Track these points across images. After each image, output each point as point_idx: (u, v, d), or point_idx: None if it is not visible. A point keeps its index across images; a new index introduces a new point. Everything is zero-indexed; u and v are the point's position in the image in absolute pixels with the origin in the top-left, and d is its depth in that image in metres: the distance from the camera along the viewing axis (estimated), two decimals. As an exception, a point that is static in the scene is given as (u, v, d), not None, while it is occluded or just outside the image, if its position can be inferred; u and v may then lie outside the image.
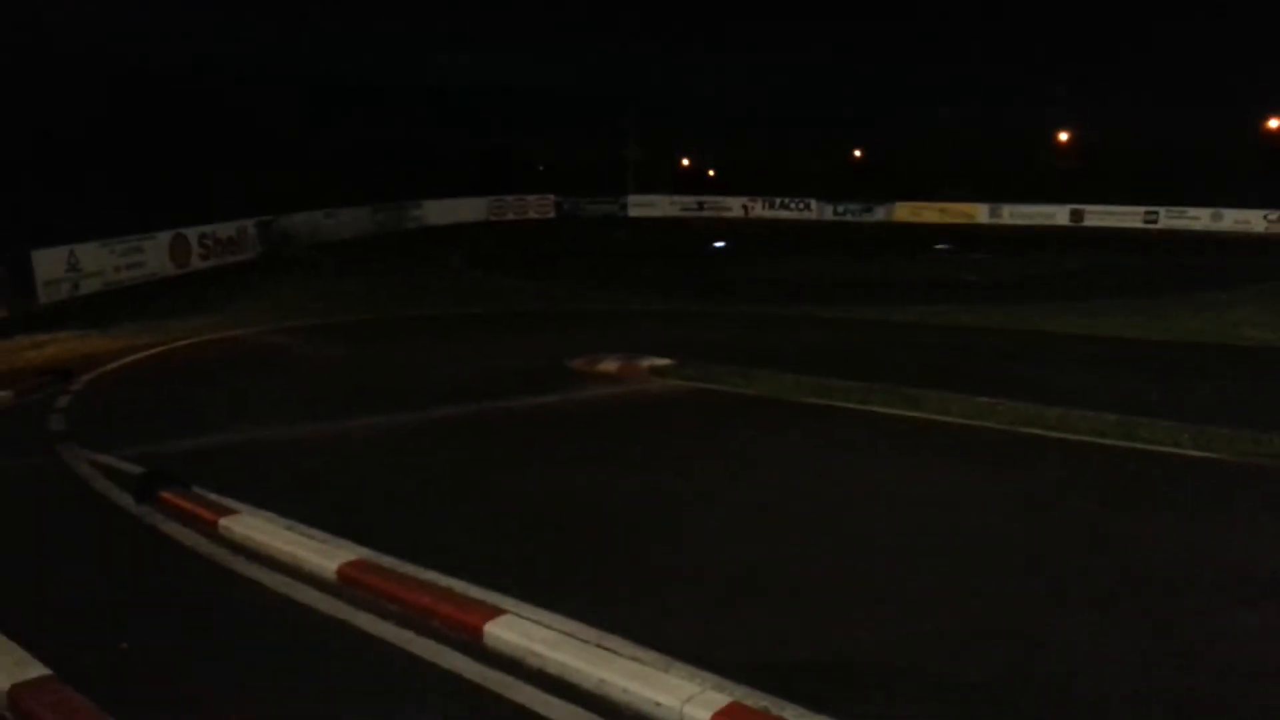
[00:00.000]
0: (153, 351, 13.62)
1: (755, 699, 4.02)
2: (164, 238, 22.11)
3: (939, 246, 30.02)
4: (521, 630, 4.55)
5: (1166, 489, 7.00)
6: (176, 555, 5.99)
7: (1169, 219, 40.25)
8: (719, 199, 48.02)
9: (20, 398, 10.53)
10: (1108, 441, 7.99)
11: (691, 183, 55.52)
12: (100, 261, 19.52)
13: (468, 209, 41.67)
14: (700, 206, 47.35)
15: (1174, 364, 12.09)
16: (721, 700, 3.92)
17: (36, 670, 4.20)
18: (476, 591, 5.13)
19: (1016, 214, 42.66)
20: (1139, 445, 7.86)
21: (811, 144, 62.54)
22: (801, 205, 46.19)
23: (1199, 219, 39.59)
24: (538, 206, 45.38)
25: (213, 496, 6.78)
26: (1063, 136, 53.98)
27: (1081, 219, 41.61)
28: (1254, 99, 50.25)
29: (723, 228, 39.82)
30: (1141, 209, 40.83)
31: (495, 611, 4.76)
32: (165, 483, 6.87)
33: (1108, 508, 6.62)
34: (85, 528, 6.62)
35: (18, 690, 4.06)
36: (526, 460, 8.04)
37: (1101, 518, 6.43)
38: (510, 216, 43.85)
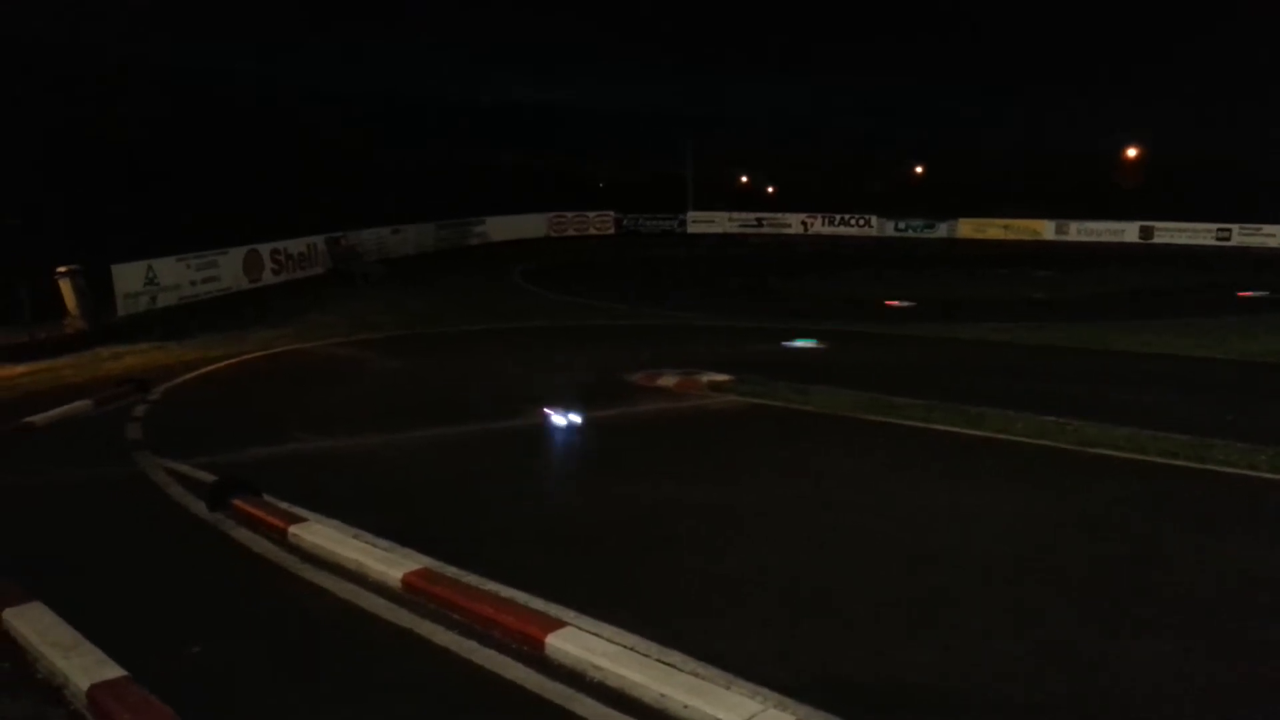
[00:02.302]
0: (226, 363, 14.02)
1: (817, 718, 4.00)
2: (238, 253, 22.74)
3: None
4: (583, 643, 4.59)
5: (1239, 512, 6.79)
6: (247, 561, 6.16)
7: (1242, 236, 39.03)
8: (778, 215, 47.78)
9: (100, 407, 10.91)
10: (1178, 463, 7.79)
11: (751, 199, 55.39)
12: (177, 276, 20.14)
13: (529, 225, 42.10)
14: (759, 223, 47.19)
15: (1245, 384, 11.75)
16: (783, 718, 3.91)
17: (114, 671, 4.35)
18: (538, 603, 5.19)
19: (1084, 230, 41.72)
20: (1211, 467, 7.65)
21: (873, 161, 62.10)
22: (862, 221, 45.73)
23: (1274, 236, 38.34)
24: (598, 223, 45.66)
25: (283, 504, 6.95)
26: (1131, 152, 52.78)
27: (1151, 235, 40.55)
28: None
29: (786, 244, 39.72)
30: (1214, 225, 39.67)
31: (557, 623, 4.81)
32: (237, 490, 7.07)
33: (1176, 531, 6.45)
34: (160, 533, 6.83)
35: (96, 690, 4.21)
36: (583, 473, 8.12)
37: (1169, 540, 6.27)
38: (571, 233, 44.17)
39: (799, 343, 14.78)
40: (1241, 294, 21.84)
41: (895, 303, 20.51)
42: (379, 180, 35.02)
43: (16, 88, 20.04)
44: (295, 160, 30.73)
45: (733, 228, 46.83)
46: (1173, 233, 40.24)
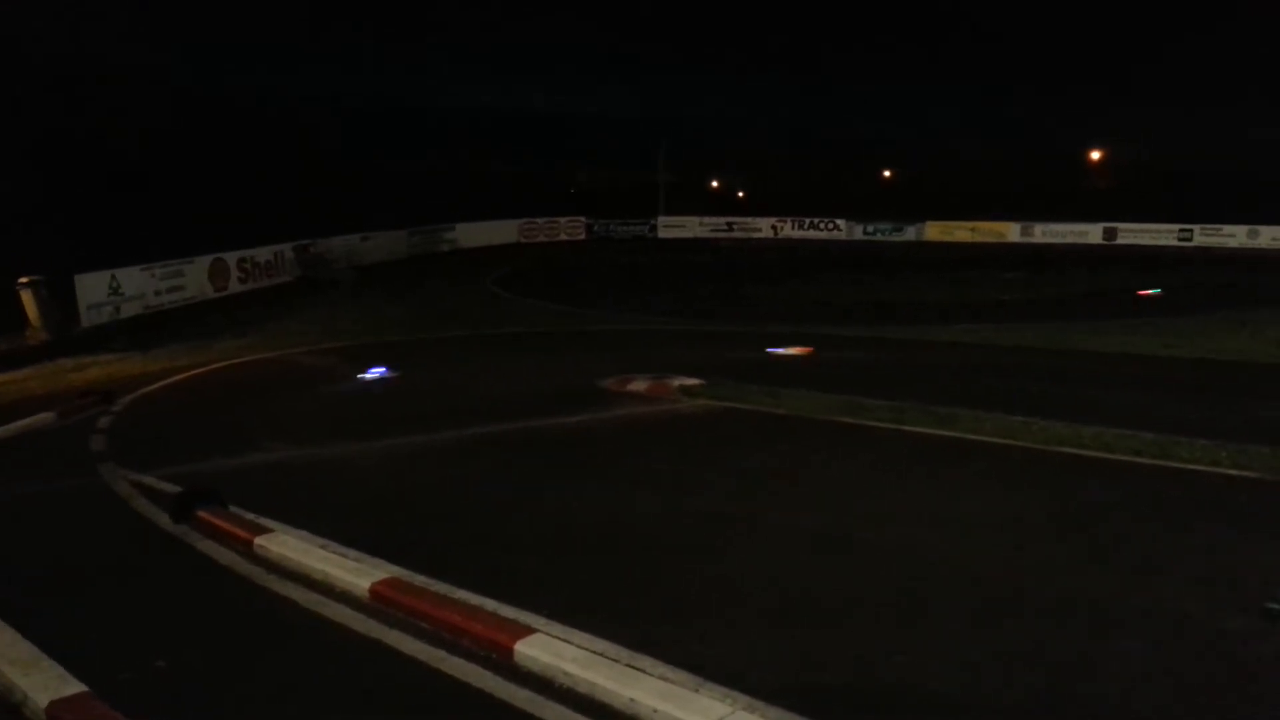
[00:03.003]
0: (192, 373, 13.85)
1: (786, 720, 4.00)
2: (203, 261, 22.48)
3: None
4: (552, 649, 4.56)
5: (1204, 508, 6.88)
6: (212, 573, 6.07)
7: (1204, 236, 39.68)
8: (748, 220, 48.03)
9: (63, 419, 10.73)
10: (1144, 460, 7.89)
11: (722, 204, 55.59)
12: (141, 285, 19.88)
13: (499, 231, 41.99)
14: (730, 227, 47.38)
15: (1210, 383, 11.92)
16: (752, 721, 3.91)
17: (74, 687, 4.27)
18: (508, 610, 5.15)
19: (1048, 232, 42.24)
20: (1176, 464, 7.75)
21: (841, 165, 62.48)
22: (830, 225, 46.04)
23: (1234, 236, 38.99)
24: (568, 228, 45.63)
25: (249, 515, 6.86)
26: (1094, 155, 53.50)
27: (1114, 237, 41.13)
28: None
29: (756, 248, 39.96)
30: (1175, 227, 40.31)
31: (526, 630, 4.78)
32: (202, 502, 6.97)
33: (1144, 529, 6.53)
34: (123, 546, 6.72)
35: (55, 707, 4.13)
36: (557, 479, 8.07)
37: (1137, 539, 6.34)
38: (541, 238, 44.11)
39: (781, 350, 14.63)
40: (1140, 292, 22.68)
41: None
42: (348, 187, 34.74)
43: None
44: (262, 166, 30.43)
45: (703, 232, 46.98)
46: (1135, 234, 40.82)
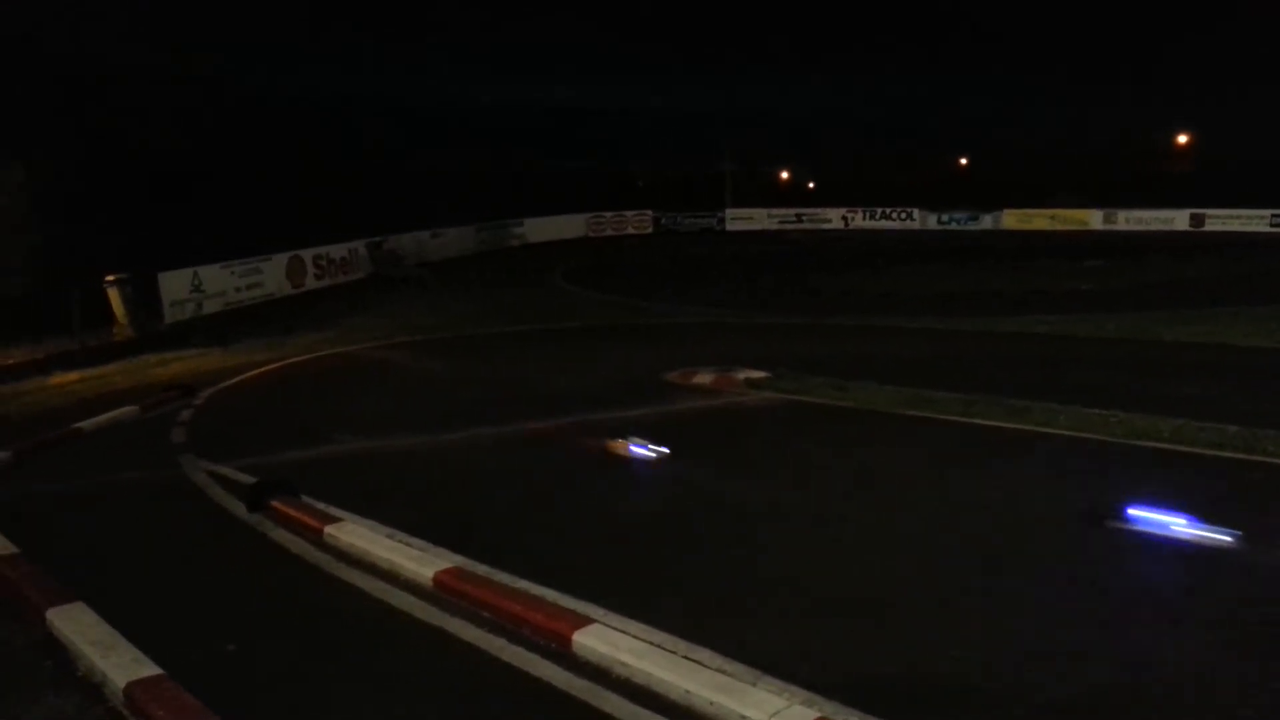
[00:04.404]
0: (269, 367, 14.23)
1: (844, 715, 3.95)
2: (281, 259, 23.08)
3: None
4: (609, 640, 4.58)
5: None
6: (283, 561, 6.24)
7: (1298, 222, 37.99)
8: (817, 211, 47.45)
9: (146, 412, 11.12)
10: (1226, 454, 7.59)
11: (791, 195, 55.02)
12: (222, 282, 20.49)
13: (567, 226, 42.24)
14: (799, 219, 46.91)
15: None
16: (809, 715, 3.86)
17: (150, 669, 4.42)
18: (567, 601, 5.19)
19: (1133, 219, 40.83)
20: (1261, 458, 7.43)
21: (915, 153, 61.27)
22: (904, 215, 45.24)
23: (1333, 221, 37.26)
24: (635, 222, 45.66)
25: (320, 505, 7.03)
26: (1181, 139, 51.58)
27: (1202, 224, 39.58)
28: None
29: (821, 238, 39.59)
30: (1268, 212, 38.62)
31: (584, 620, 4.80)
32: (275, 492, 7.16)
33: (1226, 525, 6.27)
34: (199, 534, 6.95)
35: (132, 687, 4.28)
36: (618, 471, 8.09)
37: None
38: (609, 232, 44.25)
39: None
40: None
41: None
42: (420, 184, 35.29)
43: (56, 96, 20.48)
44: (337, 165, 31.08)
45: (772, 224, 46.62)
46: (1225, 219, 39.24)
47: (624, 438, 8.52)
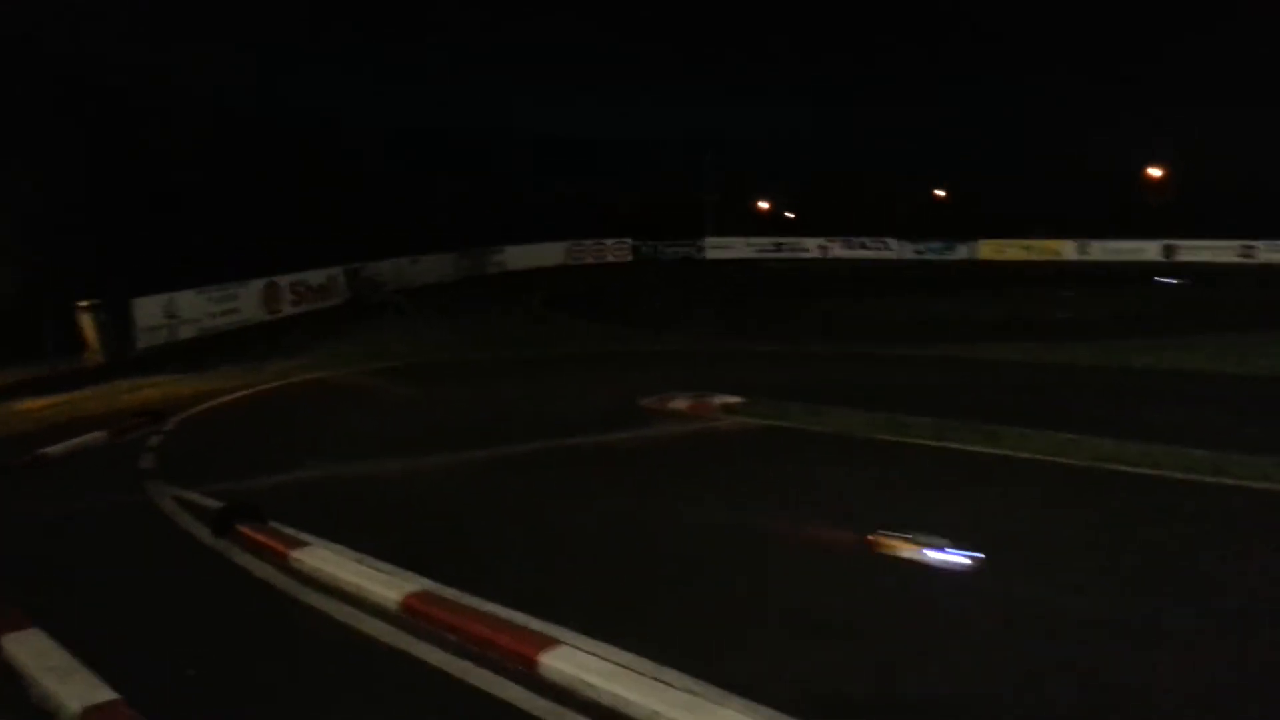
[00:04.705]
0: (242, 394, 14.12)
1: (811, 735, 3.92)
2: (257, 285, 23.01)
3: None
4: (576, 661, 4.53)
5: (1258, 526, 6.64)
6: (248, 585, 6.15)
7: (1269, 252, 38.55)
8: (796, 240, 47.84)
9: (115, 438, 11.00)
10: (1194, 478, 7.63)
11: (770, 224, 55.40)
12: (196, 308, 20.39)
13: (547, 253, 42.35)
14: (777, 248, 47.22)
15: (1269, 399, 11.52)
16: (776, 735, 3.83)
17: (107, 695, 4.34)
18: (535, 623, 5.13)
19: (1106, 250, 41.36)
20: (1229, 481, 7.48)
21: (891, 184, 61.85)
22: (880, 245, 45.68)
23: (1300, 251, 37.85)
24: (615, 250, 45.81)
25: (287, 530, 6.94)
26: (1154, 172, 52.34)
27: (1174, 254, 40.14)
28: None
29: (800, 268, 39.87)
30: (1238, 243, 39.22)
31: (551, 642, 4.75)
32: (241, 516, 7.08)
33: (1194, 545, 6.32)
34: (163, 559, 6.85)
35: (89, 714, 4.20)
36: (593, 496, 8.05)
37: (1187, 555, 6.14)
38: (589, 260, 44.36)
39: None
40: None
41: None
42: (397, 211, 35.29)
43: (31, 118, 20.39)
44: (314, 191, 30.98)
45: (751, 253, 46.89)
46: (1196, 250, 39.81)
47: (908, 537, 6.23)
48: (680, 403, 11.61)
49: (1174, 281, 28.28)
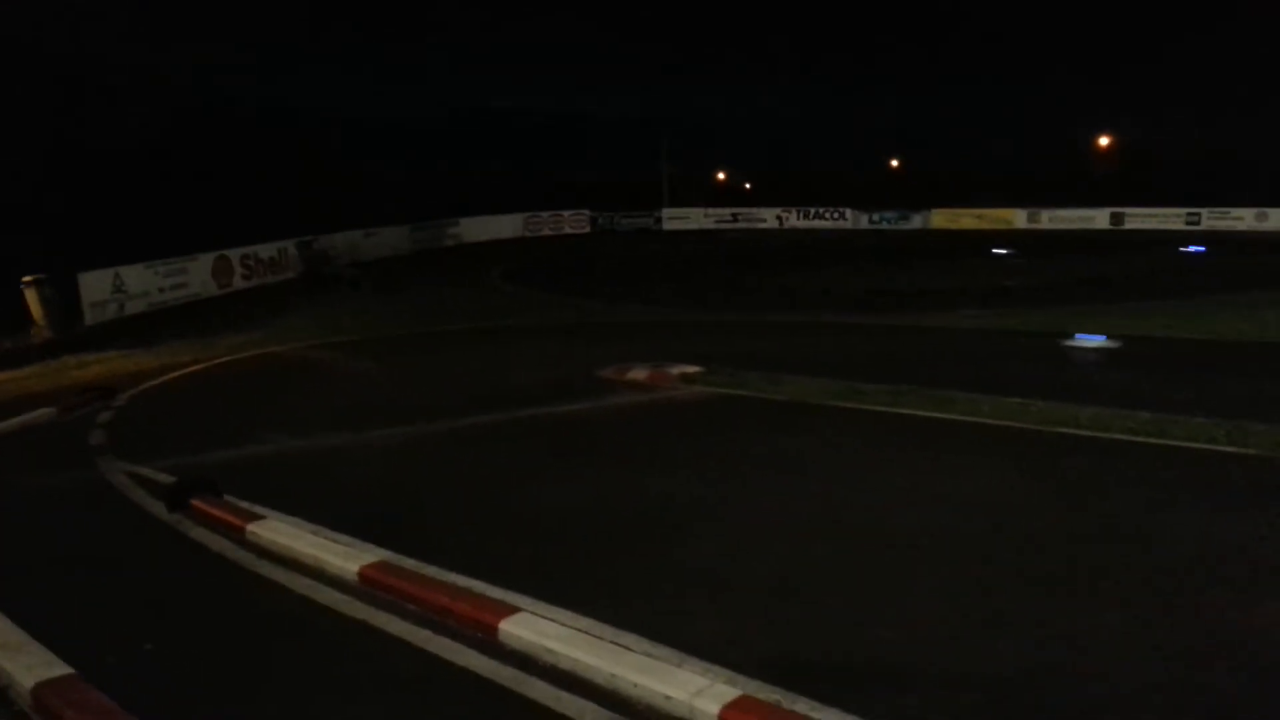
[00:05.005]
0: (194, 369, 13.90)
1: (766, 693, 4.00)
2: (207, 259, 22.54)
3: (997, 251, 29.91)
4: (536, 627, 4.57)
5: (1199, 486, 6.85)
6: (203, 560, 6.10)
7: (1211, 220, 39.42)
8: (753, 210, 47.93)
9: (64, 415, 10.78)
10: (1140, 439, 7.85)
11: (728, 196, 55.43)
12: (145, 283, 19.94)
13: (504, 225, 41.99)
14: (735, 219, 47.30)
15: (1213, 363, 11.84)
16: (732, 693, 3.90)
17: (60, 670, 4.29)
18: (495, 591, 5.17)
19: (1055, 219, 42.03)
20: (1172, 442, 7.71)
21: (847, 155, 62.15)
22: (836, 215, 45.94)
23: (1243, 219, 38.75)
24: (572, 222, 45.57)
25: (243, 504, 6.89)
26: (1103, 141, 53.12)
27: (1122, 222, 40.88)
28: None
29: (759, 238, 40.01)
30: (1183, 210, 40.05)
31: (511, 610, 4.79)
32: (196, 491, 7.00)
33: (1138, 504, 6.50)
34: (116, 535, 6.76)
35: (41, 689, 4.15)
36: (551, 465, 8.07)
37: (1131, 514, 6.32)
38: (546, 232, 44.09)
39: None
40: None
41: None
42: (353, 184, 34.78)
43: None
44: (266, 164, 30.44)
45: (709, 223, 46.94)
46: (1143, 218, 40.57)
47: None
48: (639, 373, 11.64)
49: (1006, 252, 29.77)
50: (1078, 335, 13.12)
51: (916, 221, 44.34)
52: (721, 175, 63.24)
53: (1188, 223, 39.76)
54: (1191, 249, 29.83)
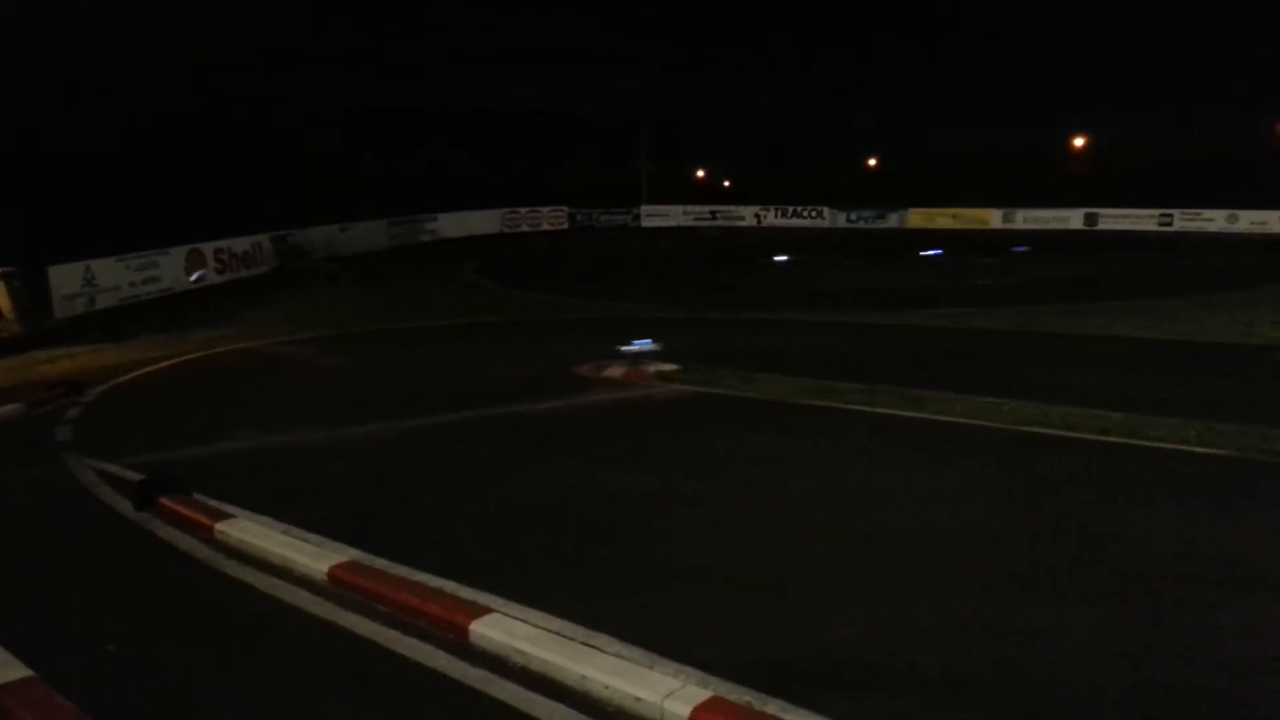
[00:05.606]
0: (165, 364, 13.73)
1: (738, 694, 3.98)
2: (179, 252, 22.29)
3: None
4: (506, 629, 4.53)
5: (1170, 485, 6.90)
6: (171, 559, 6.02)
7: (1184, 221, 39.86)
8: (732, 208, 48.04)
9: (32, 410, 10.62)
10: (1111, 439, 7.91)
11: (708, 194, 55.49)
12: (116, 276, 19.70)
13: (481, 221, 41.80)
14: (713, 216, 47.38)
15: (1184, 363, 11.95)
16: (703, 695, 3.89)
17: (19, 672, 4.22)
18: (466, 591, 5.12)
19: (1030, 218, 42.38)
20: (1143, 443, 7.77)
21: (827, 153, 62.25)
22: (814, 213, 46.11)
23: (1214, 220, 39.20)
24: (551, 218, 45.45)
25: (212, 502, 6.80)
26: (1078, 142, 53.56)
27: (1096, 223, 41.27)
28: (1268, 101, 49.62)
29: (738, 235, 40.05)
30: (1156, 212, 40.48)
31: (482, 610, 4.75)
32: (164, 489, 6.90)
33: (1108, 504, 6.54)
34: (82, 534, 6.65)
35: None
36: (524, 463, 8.03)
37: (1101, 514, 6.35)
38: (524, 228, 43.95)
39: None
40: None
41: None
42: (330, 178, 34.49)
43: None
44: (242, 158, 30.16)
45: (687, 221, 46.99)
46: (1116, 219, 40.95)
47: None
48: (615, 370, 11.62)
49: (785, 260, 29.32)
50: (634, 342, 13.32)
51: (893, 220, 44.57)
52: (701, 173, 63.28)
53: (1160, 224, 40.20)
54: (932, 253, 30.21)
